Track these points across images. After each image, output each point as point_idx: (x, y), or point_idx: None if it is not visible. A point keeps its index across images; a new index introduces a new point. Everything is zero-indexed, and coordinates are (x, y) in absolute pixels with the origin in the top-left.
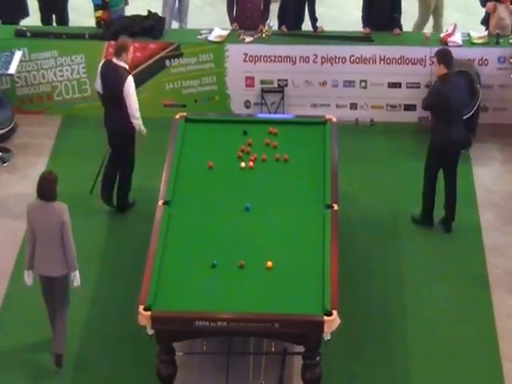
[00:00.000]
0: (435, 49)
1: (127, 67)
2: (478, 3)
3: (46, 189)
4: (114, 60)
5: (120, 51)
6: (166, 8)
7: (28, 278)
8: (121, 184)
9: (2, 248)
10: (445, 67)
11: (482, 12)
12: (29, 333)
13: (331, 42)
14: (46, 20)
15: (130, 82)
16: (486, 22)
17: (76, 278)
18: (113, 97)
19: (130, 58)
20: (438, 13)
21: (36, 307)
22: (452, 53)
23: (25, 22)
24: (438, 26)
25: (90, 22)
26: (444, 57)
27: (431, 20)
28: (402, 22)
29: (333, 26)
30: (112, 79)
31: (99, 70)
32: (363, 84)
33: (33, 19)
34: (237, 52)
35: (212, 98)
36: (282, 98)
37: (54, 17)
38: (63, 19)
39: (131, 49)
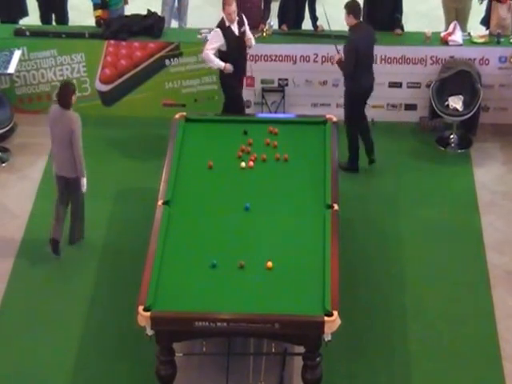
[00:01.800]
0: (436, 48)
1: (224, 20)
2: (478, 4)
3: (63, 97)
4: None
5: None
6: (165, 7)
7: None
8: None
9: (1, 247)
10: (354, 17)
11: (481, 12)
12: (28, 333)
13: (332, 41)
14: (45, 18)
15: (212, 33)
16: (485, 21)
17: (83, 184)
18: None
19: (225, 14)
20: (461, 18)
21: (35, 308)
22: (360, 5)
23: (24, 22)
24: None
25: (90, 21)
26: (352, 7)
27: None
28: (403, 22)
29: (333, 25)
30: None
31: None
32: None
33: (32, 18)
34: None
35: (212, 98)
36: (283, 97)
37: (53, 16)
38: (63, 18)
39: (227, 8)
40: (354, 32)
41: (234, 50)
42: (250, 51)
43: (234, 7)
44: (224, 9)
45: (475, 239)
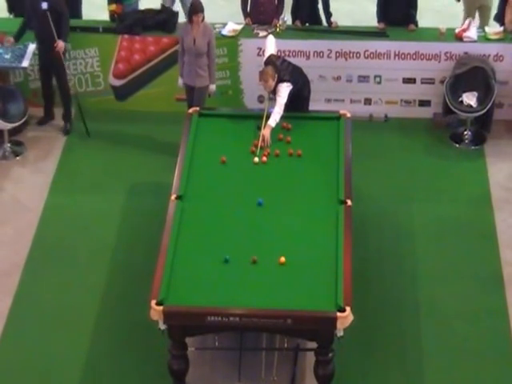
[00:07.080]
0: (450, 44)
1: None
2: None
3: (189, 16)
4: None
5: None
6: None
7: (180, 82)
8: None
9: (15, 241)
10: None
11: (495, 9)
12: (40, 326)
13: (345, 37)
14: None
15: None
16: (499, 18)
17: (213, 89)
18: None
19: None
20: (482, 14)
21: (47, 301)
22: None
23: None
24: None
25: (104, 16)
26: None
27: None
28: (418, 18)
29: (347, 20)
30: None
31: None
32: (377, 79)
33: None
34: (250, 46)
35: (225, 93)
36: None
37: None
38: (76, 11)
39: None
40: None
41: None
42: (264, 46)
43: (270, 83)
44: None
45: (489, 236)
